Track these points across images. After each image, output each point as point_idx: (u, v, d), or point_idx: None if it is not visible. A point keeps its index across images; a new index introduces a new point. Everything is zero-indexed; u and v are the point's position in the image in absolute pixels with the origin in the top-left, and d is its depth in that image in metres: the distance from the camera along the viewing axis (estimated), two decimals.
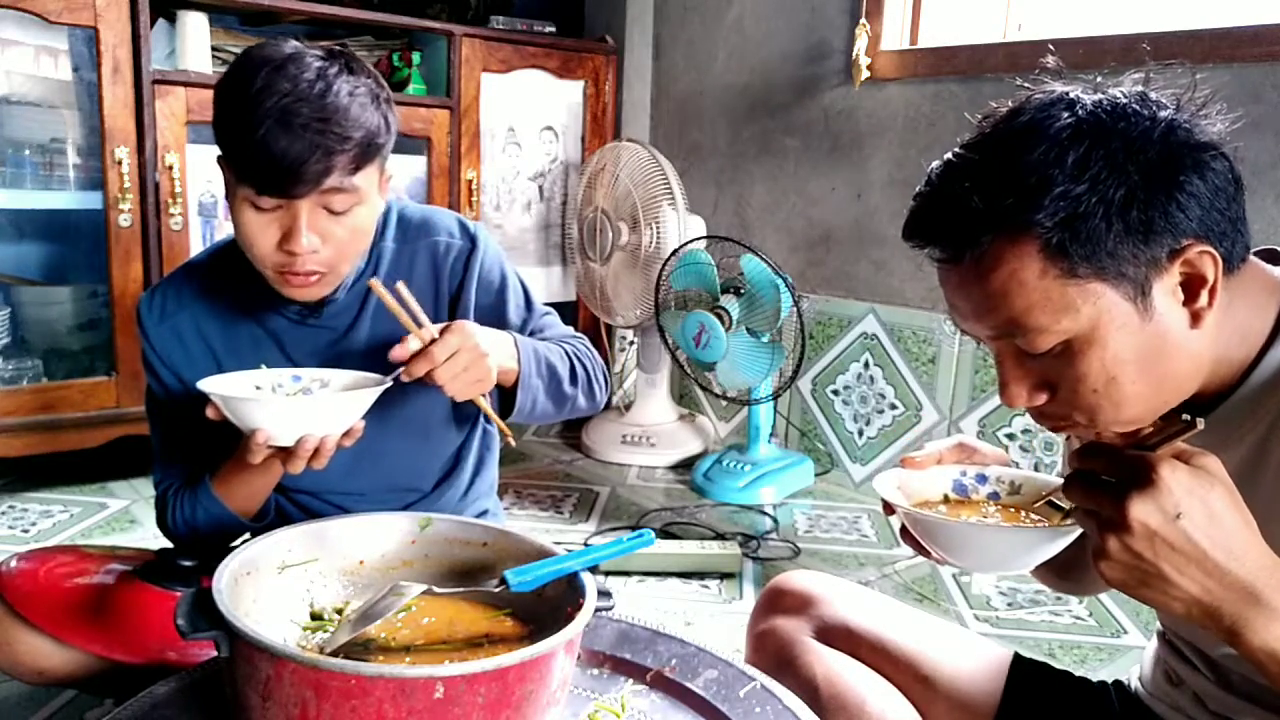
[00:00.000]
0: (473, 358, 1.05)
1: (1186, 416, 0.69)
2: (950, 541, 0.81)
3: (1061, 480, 0.78)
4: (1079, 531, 0.77)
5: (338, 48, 1.09)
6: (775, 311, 2.46)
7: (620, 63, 3.19)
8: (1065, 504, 0.80)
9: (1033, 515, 0.88)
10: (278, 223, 1.05)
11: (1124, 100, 0.72)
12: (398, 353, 1.04)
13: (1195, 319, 0.72)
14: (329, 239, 1.07)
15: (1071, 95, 0.73)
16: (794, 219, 2.85)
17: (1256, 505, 0.73)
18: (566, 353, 1.24)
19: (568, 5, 3.35)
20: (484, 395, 1.11)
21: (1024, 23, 2.48)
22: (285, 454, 1.04)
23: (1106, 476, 0.68)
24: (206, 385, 1.03)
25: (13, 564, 1.21)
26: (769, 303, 2.46)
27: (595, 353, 1.30)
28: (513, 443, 1.19)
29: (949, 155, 0.76)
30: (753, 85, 2.92)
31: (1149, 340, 0.72)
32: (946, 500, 0.92)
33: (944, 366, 2.51)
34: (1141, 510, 0.64)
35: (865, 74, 2.55)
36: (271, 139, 0.99)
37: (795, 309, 2.44)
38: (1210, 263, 0.71)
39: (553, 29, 3.03)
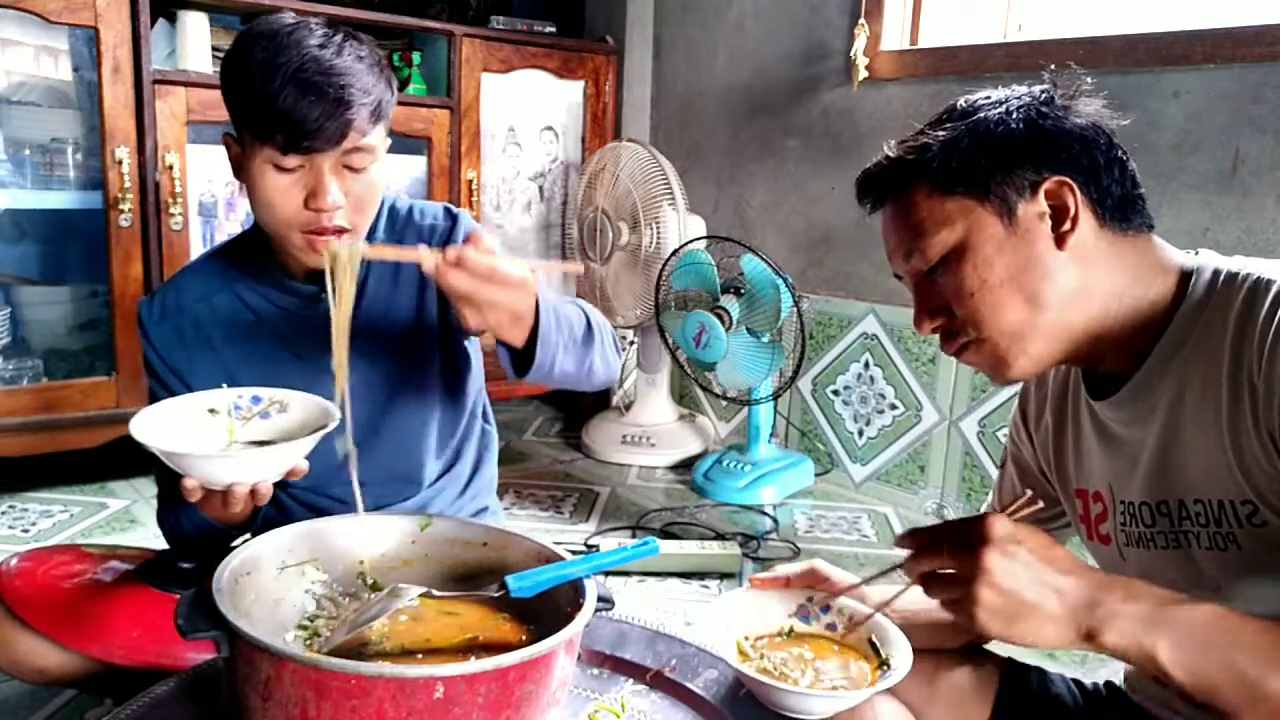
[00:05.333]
0: (513, 285, 0.99)
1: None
2: (757, 692, 0.89)
3: (886, 617, 0.95)
4: (864, 696, 0.87)
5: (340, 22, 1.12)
6: (775, 311, 2.46)
7: (620, 63, 3.19)
8: (883, 651, 0.93)
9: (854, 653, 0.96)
10: (300, 183, 1.07)
11: (1023, 88, 0.91)
12: (426, 265, 0.97)
13: (1060, 241, 0.86)
14: (350, 195, 1.09)
15: (990, 90, 0.92)
16: (794, 219, 2.85)
17: (1180, 461, 0.87)
18: (582, 309, 1.21)
19: (568, 5, 3.35)
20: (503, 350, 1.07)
21: (1024, 23, 2.48)
22: (222, 494, 1.00)
23: (945, 551, 0.78)
24: (141, 432, 0.95)
25: (13, 564, 1.21)
26: (769, 303, 2.46)
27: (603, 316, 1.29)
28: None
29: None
30: (753, 85, 2.92)
31: (1016, 252, 0.86)
32: (790, 632, 0.99)
33: (944, 366, 2.50)
34: (990, 554, 0.73)
35: (864, 74, 2.55)
36: (294, 97, 1.02)
37: (795, 309, 2.44)
38: (1069, 193, 0.85)
39: (553, 29, 3.03)
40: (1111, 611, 0.73)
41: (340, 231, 1.10)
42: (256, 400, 1.08)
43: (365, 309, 1.22)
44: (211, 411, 1.06)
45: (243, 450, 1.04)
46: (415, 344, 1.25)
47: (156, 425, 0.99)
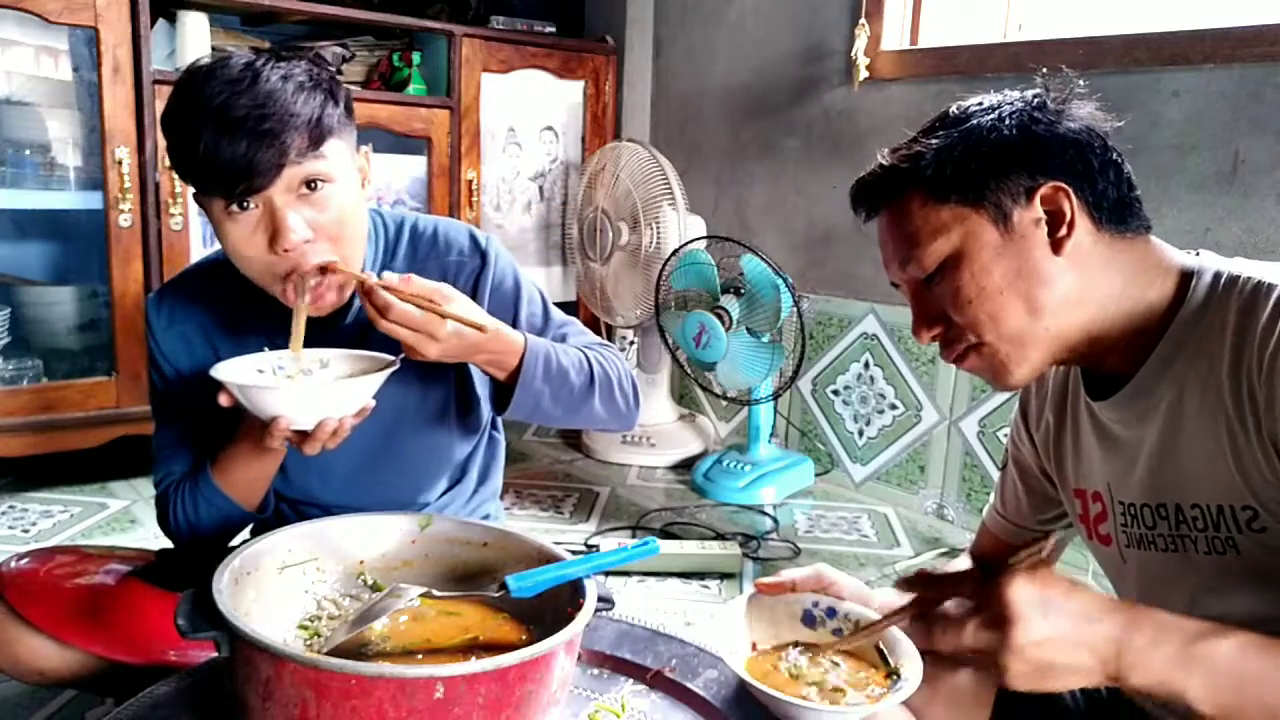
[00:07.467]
0: (415, 327, 1.02)
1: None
2: (771, 706, 0.88)
3: (891, 624, 0.90)
4: (874, 709, 0.85)
5: (271, 47, 1.06)
6: (775, 311, 2.46)
7: (620, 63, 3.19)
8: (891, 659, 0.91)
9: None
10: (260, 227, 1.02)
11: (1015, 94, 0.90)
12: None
13: (1057, 247, 0.85)
14: (320, 225, 1.03)
15: (983, 96, 0.91)
16: (794, 219, 2.85)
17: (1179, 465, 0.87)
18: (587, 359, 1.18)
19: (568, 5, 3.35)
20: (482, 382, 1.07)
21: (1024, 23, 2.48)
22: (301, 437, 1.01)
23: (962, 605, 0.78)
24: (220, 373, 0.99)
25: (13, 564, 1.21)
26: (769, 303, 2.46)
27: (624, 363, 1.25)
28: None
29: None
30: (753, 85, 2.92)
31: (1013, 258, 0.86)
32: (796, 644, 0.99)
33: (944, 366, 2.50)
34: (1017, 631, 0.73)
35: (864, 74, 2.55)
36: (218, 141, 0.97)
37: (795, 309, 2.44)
38: (1064, 199, 0.85)
39: (553, 29, 3.03)
40: (1138, 655, 0.73)
41: (324, 270, 1.05)
42: (296, 360, 1.08)
43: (384, 338, 1.16)
44: (260, 372, 1.07)
45: (329, 381, 1.07)
46: (429, 372, 1.20)
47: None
